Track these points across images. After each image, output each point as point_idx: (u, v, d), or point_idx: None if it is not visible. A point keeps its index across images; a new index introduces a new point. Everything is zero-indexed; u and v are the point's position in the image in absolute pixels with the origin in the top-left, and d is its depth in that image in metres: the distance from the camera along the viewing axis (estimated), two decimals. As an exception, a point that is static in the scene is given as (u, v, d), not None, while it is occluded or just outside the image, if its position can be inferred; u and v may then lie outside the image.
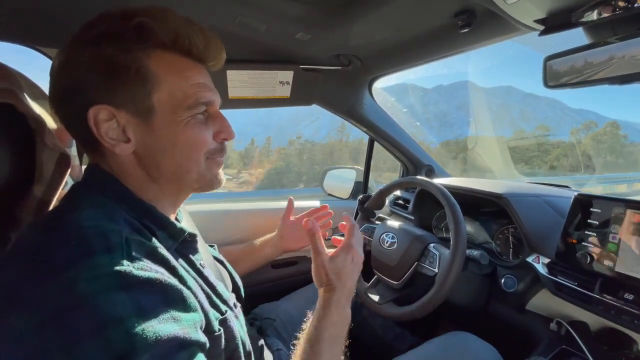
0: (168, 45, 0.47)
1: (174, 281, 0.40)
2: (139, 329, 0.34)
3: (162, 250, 0.44)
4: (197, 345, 0.39)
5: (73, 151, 0.63)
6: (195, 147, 0.50)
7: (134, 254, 0.39)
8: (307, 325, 0.61)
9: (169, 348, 0.35)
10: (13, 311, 0.34)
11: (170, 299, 0.39)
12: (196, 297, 0.44)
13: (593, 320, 0.78)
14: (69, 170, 0.57)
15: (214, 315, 0.48)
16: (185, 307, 0.40)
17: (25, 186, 0.54)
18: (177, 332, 0.37)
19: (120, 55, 0.44)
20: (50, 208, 0.55)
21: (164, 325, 0.36)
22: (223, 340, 0.49)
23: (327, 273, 0.64)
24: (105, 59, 0.44)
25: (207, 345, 0.42)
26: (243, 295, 0.74)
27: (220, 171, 0.55)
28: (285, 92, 1.13)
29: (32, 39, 0.83)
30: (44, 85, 0.57)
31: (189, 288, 0.44)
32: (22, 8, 0.68)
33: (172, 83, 0.47)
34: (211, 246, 0.72)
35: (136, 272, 0.37)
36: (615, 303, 0.70)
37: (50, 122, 0.55)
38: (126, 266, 0.37)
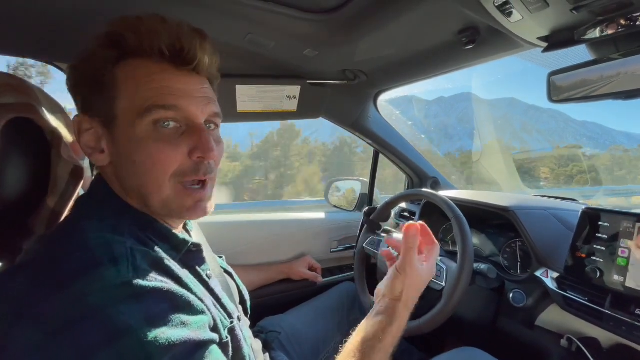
0: (137, 52, 0.46)
1: (179, 289, 0.41)
2: (151, 336, 0.34)
3: (167, 260, 0.44)
4: (210, 342, 0.40)
5: (86, 163, 0.64)
6: (155, 166, 0.45)
7: (139, 264, 0.39)
8: (359, 332, 0.56)
9: (183, 351, 0.36)
10: (21, 322, 0.34)
11: (177, 306, 0.39)
12: (203, 303, 0.44)
13: (604, 336, 0.77)
14: (82, 182, 0.59)
15: (221, 322, 0.48)
16: (192, 311, 0.41)
17: (40, 197, 0.55)
18: (189, 335, 0.37)
19: (93, 66, 0.46)
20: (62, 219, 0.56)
21: (174, 331, 0.36)
22: (230, 349, 0.49)
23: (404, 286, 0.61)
24: (85, 71, 0.47)
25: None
26: (249, 308, 0.74)
27: (196, 202, 0.48)
28: (293, 105, 1.15)
29: (49, 55, 0.86)
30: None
31: (195, 294, 0.44)
32: (39, 24, 0.70)
33: (133, 88, 0.45)
34: (219, 257, 0.72)
35: (142, 283, 0.37)
36: (626, 319, 0.68)
37: (67, 135, 0.57)
38: (132, 277, 0.37)
